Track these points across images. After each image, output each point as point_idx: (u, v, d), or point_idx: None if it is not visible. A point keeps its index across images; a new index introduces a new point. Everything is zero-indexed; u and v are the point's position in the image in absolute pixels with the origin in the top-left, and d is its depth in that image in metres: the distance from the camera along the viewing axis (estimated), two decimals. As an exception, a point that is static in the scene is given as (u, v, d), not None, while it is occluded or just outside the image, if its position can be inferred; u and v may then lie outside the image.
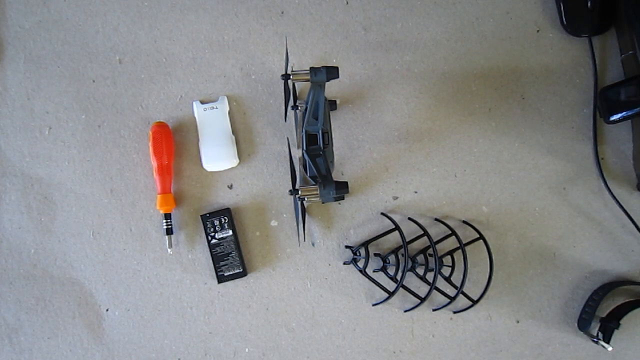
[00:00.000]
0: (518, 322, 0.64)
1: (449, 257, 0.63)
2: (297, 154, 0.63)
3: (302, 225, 0.60)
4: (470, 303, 0.63)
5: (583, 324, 0.62)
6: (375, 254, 0.64)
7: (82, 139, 0.65)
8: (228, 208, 0.64)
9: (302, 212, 0.60)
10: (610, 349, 0.61)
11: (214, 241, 0.63)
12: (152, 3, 0.65)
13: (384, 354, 0.64)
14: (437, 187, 0.65)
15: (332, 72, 0.53)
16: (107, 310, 0.65)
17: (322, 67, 0.53)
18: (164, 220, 0.63)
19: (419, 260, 0.63)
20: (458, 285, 0.62)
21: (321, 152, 0.57)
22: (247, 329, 0.64)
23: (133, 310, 0.65)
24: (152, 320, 0.65)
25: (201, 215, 0.63)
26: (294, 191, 0.56)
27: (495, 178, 0.64)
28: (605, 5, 0.62)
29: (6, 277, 0.65)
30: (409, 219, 0.64)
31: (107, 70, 0.65)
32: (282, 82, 0.64)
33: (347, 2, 0.65)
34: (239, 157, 0.64)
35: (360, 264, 0.63)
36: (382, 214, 0.64)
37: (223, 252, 0.63)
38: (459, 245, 0.62)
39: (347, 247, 0.64)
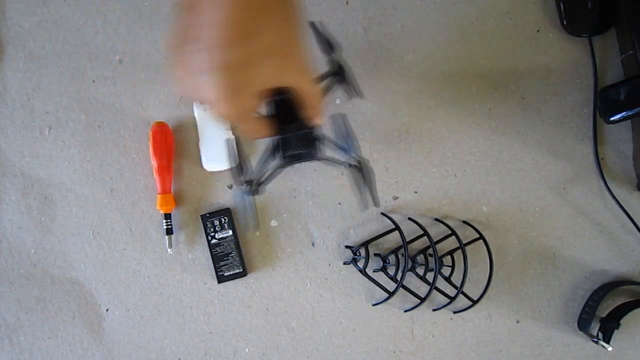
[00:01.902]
0: (518, 322, 0.64)
1: (449, 257, 0.63)
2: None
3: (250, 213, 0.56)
4: (470, 303, 0.63)
5: (583, 324, 0.62)
6: (375, 254, 0.64)
7: (82, 139, 0.65)
8: (228, 208, 0.64)
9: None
10: (610, 349, 0.61)
11: (214, 241, 0.63)
12: (152, 3, 0.65)
13: (384, 354, 0.64)
14: (437, 187, 0.65)
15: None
16: (107, 310, 0.65)
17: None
18: (164, 220, 0.63)
19: (419, 260, 0.63)
20: (458, 285, 0.62)
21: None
22: (247, 329, 0.64)
23: (133, 310, 0.65)
24: (152, 320, 0.65)
25: (201, 215, 0.63)
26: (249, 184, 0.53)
27: (495, 178, 0.64)
28: (605, 5, 0.62)
29: (6, 277, 0.65)
30: (409, 219, 0.64)
31: (107, 70, 0.65)
32: None
33: (347, 2, 0.65)
34: (239, 157, 0.64)
35: (360, 264, 0.63)
36: (382, 214, 0.64)
37: (223, 252, 0.63)
38: (459, 245, 0.62)
39: (347, 247, 0.64)
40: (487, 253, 0.63)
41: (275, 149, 0.49)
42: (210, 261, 0.64)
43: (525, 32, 0.65)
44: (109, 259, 0.65)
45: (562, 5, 0.63)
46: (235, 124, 0.42)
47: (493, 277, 0.63)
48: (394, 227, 0.63)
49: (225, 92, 0.38)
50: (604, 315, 0.63)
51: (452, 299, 0.62)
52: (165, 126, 0.63)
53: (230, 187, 0.65)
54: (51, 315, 0.65)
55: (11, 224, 0.65)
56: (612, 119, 0.60)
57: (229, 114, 0.40)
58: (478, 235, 0.63)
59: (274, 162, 0.50)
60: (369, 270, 0.63)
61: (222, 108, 0.39)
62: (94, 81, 0.65)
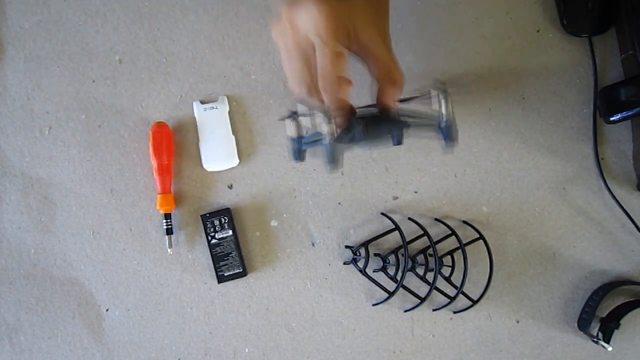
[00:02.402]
0: (518, 322, 0.64)
1: (449, 257, 0.63)
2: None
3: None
4: (470, 303, 0.63)
5: (583, 324, 0.62)
6: (375, 254, 0.64)
7: (82, 139, 0.65)
8: (228, 208, 0.64)
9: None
10: (610, 349, 0.61)
11: (214, 241, 0.63)
12: (152, 3, 0.65)
13: (384, 354, 0.64)
14: (437, 187, 0.65)
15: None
16: (107, 310, 0.65)
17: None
18: (164, 220, 0.63)
19: (419, 260, 0.63)
20: (458, 285, 0.62)
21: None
22: (247, 329, 0.64)
23: (133, 310, 0.65)
24: (152, 320, 0.65)
25: (201, 215, 0.63)
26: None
27: (495, 178, 0.64)
28: (605, 5, 0.62)
29: (6, 277, 0.65)
30: (409, 219, 0.64)
31: (107, 70, 0.65)
32: (282, 81, 0.64)
33: (347, 2, 0.65)
34: (239, 157, 0.64)
35: (360, 264, 0.63)
36: (382, 214, 0.64)
37: (223, 252, 0.63)
38: (459, 245, 0.62)
39: (347, 247, 0.64)
40: (487, 253, 0.63)
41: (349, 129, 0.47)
42: (210, 261, 0.64)
43: (525, 32, 0.65)
44: (109, 259, 0.65)
45: (562, 5, 0.63)
46: (326, 59, 0.44)
47: (493, 277, 0.63)
48: (394, 227, 0.63)
49: (325, 16, 0.43)
50: (604, 315, 0.63)
51: (452, 299, 0.62)
52: (165, 126, 0.63)
53: (230, 187, 0.65)
54: (51, 315, 0.65)
55: (11, 224, 0.65)
56: (612, 119, 0.60)
57: (326, 37, 0.44)
58: (478, 235, 0.63)
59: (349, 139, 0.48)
60: (369, 270, 0.63)
61: (321, 29, 0.44)
62: (94, 81, 0.65)
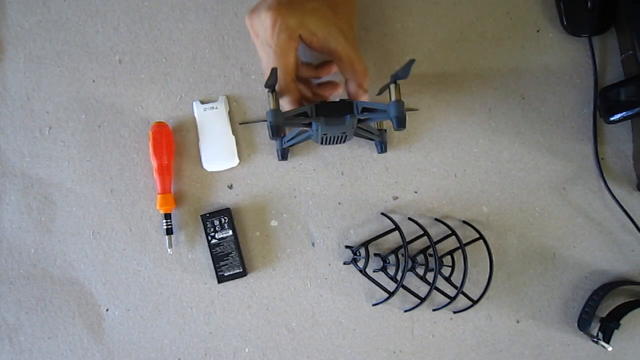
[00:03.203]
0: (518, 322, 0.64)
1: (449, 257, 0.63)
2: None
3: None
4: (470, 303, 0.63)
5: (583, 324, 0.62)
6: (375, 254, 0.64)
7: (82, 139, 0.65)
8: (228, 208, 0.64)
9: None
10: (610, 349, 0.61)
11: (214, 241, 0.63)
12: (152, 3, 0.65)
13: (384, 354, 0.64)
14: (437, 187, 0.65)
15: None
16: (107, 310, 0.65)
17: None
18: (164, 220, 0.63)
19: (419, 260, 0.63)
20: (458, 285, 0.62)
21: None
22: (247, 329, 0.64)
23: (133, 310, 0.65)
24: (152, 320, 0.65)
25: (201, 215, 0.63)
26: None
27: (495, 178, 0.64)
28: (605, 5, 0.62)
29: (6, 277, 0.65)
30: (409, 219, 0.64)
31: (107, 70, 0.65)
32: None
33: (347, 2, 0.65)
34: (239, 157, 0.64)
35: (360, 264, 0.63)
36: (382, 214, 0.64)
37: (223, 252, 0.63)
38: (459, 245, 0.62)
39: (347, 247, 0.64)
40: (487, 253, 0.63)
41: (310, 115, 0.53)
42: (210, 261, 0.64)
43: (525, 32, 0.65)
44: (109, 259, 0.65)
45: (562, 5, 0.63)
46: (279, 68, 0.50)
47: (493, 277, 0.63)
48: (394, 227, 0.63)
49: (268, 21, 0.50)
50: (604, 315, 0.63)
51: (452, 299, 0.62)
52: (165, 126, 0.63)
53: (231, 187, 0.65)
54: (51, 315, 0.65)
55: (11, 224, 0.65)
56: (612, 119, 0.60)
57: (269, 39, 0.50)
58: (478, 235, 0.63)
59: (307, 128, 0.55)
60: (369, 270, 0.63)
61: (266, 33, 0.50)
62: (94, 81, 0.65)
